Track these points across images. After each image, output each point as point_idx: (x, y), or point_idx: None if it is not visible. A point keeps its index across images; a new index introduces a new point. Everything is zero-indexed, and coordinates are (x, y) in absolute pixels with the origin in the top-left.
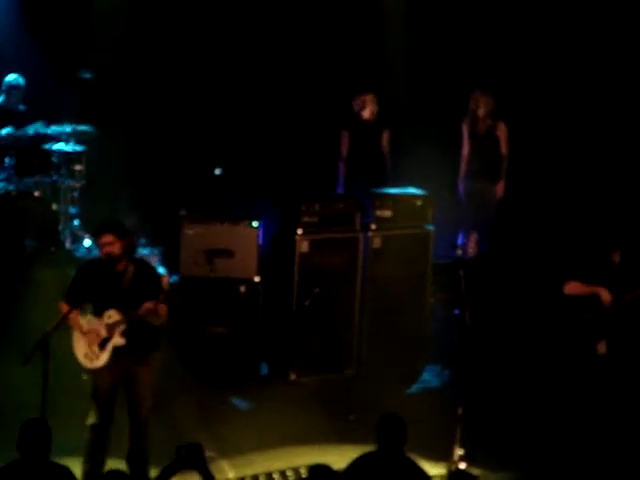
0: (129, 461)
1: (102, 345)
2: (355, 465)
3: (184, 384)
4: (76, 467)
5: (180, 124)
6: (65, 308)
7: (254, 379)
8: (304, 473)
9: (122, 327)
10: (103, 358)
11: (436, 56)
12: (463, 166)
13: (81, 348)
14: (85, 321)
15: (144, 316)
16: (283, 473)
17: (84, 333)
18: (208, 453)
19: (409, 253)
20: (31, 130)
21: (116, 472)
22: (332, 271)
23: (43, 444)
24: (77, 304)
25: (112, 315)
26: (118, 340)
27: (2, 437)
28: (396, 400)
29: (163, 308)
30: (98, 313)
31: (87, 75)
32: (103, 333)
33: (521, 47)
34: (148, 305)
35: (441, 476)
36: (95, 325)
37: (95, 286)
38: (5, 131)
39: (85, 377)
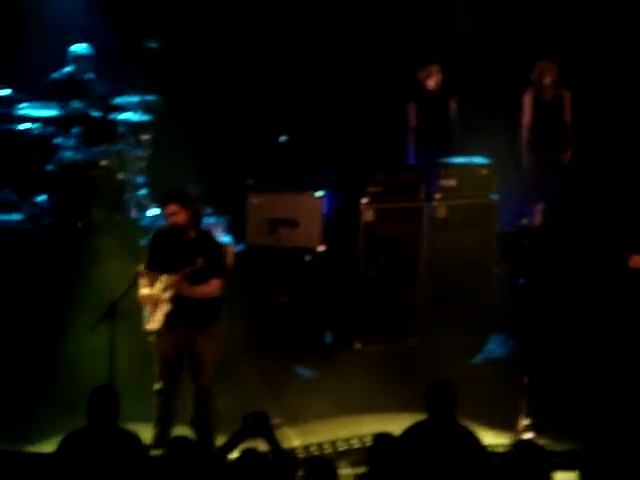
0: (194, 427)
1: (157, 308)
2: (407, 434)
3: (249, 353)
4: (145, 433)
5: (246, 93)
6: (145, 276)
7: (319, 348)
8: (369, 441)
9: (169, 293)
10: (157, 321)
11: (502, 25)
12: (526, 135)
13: (146, 310)
14: (148, 285)
15: (175, 286)
16: (348, 441)
17: (143, 295)
18: (274, 420)
19: (474, 223)
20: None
21: (180, 438)
22: (396, 240)
23: (111, 410)
24: (154, 269)
25: (164, 280)
26: (164, 305)
27: (73, 404)
28: (460, 369)
29: (215, 282)
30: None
31: (153, 44)
32: (157, 297)
33: (585, 15)
34: (174, 276)
35: (506, 446)
36: (154, 289)
37: (166, 252)
38: (75, 104)
39: (150, 339)
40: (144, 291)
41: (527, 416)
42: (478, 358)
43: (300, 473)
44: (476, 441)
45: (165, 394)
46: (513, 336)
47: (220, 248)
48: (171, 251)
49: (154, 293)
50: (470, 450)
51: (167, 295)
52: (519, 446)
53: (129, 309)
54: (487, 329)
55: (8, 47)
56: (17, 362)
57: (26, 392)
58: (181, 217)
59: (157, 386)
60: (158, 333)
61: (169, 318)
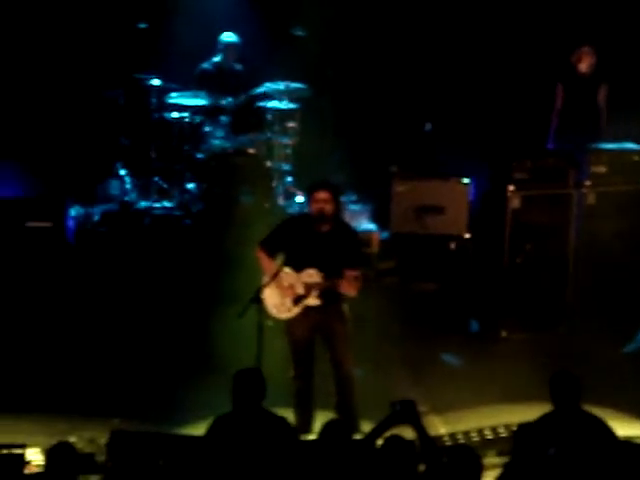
0: (338, 413)
1: (296, 301)
2: (533, 425)
3: (395, 340)
4: (291, 418)
5: (391, 80)
6: (260, 253)
7: (464, 335)
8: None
9: (319, 289)
10: (293, 312)
11: None
12: None
13: (273, 298)
14: (284, 274)
15: (342, 289)
16: (495, 430)
17: (282, 286)
18: (420, 408)
19: (624, 210)
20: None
21: (336, 421)
22: (544, 227)
23: (256, 393)
24: (272, 252)
25: (312, 275)
26: (314, 300)
27: (223, 387)
28: (610, 359)
29: (358, 284)
30: (297, 269)
31: (300, 32)
32: (299, 290)
33: None
34: (347, 278)
35: None
36: (293, 280)
37: (296, 241)
38: (226, 101)
39: (270, 323)
40: (283, 279)
41: None
42: (629, 347)
43: (444, 461)
44: (607, 430)
45: (301, 379)
46: None
47: (357, 238)
48: (304, 239)
49: (297, 285)
50: (600, 440)
51: (317, 291)
52: None
53: None
54: (639, 318)
55: (158, 37)
56: (168, 346)
57: (177, 375)
58: (329, 206)
59: (292, 372)
60: (289, 320)
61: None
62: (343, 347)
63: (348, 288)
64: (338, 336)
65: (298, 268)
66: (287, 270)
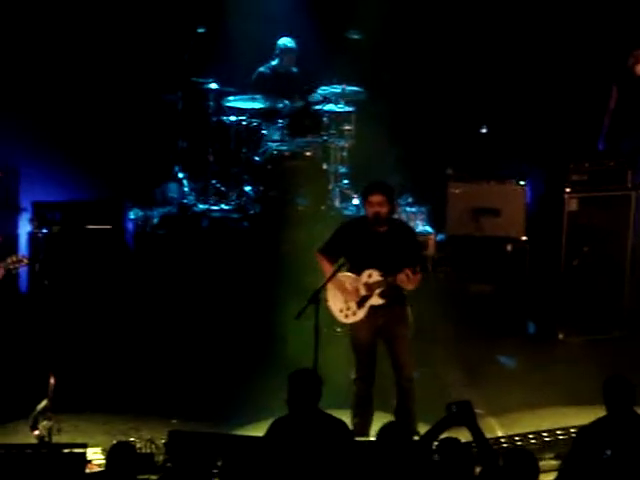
0: (396, 415)
1: (360, 303)
2: (586, 429)
3: (451, 342)
4: (347, 420)
5: (446, 83)
6: (321, 259)
7: (521, 338)
8: (574, 433)
9: (381, 288)
10: (359, 315)
11: None
12: None
13: (337, 303)
14: (345, 278)
15: (401, 282)
16: (553, 432)
17: (344, 290)
18: (477, 410)
19: None
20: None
21: (393, 424)
22: (601, 230)
23: (312, 394)
24: (334, 257)
25: (372, 275)
26: (377, 300)
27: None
28: None
29: (418, 278)
30: (357, 271)
31: (356, 35)
32: (362, 292)
33: None
34: (406, 273)
35: None
36: (355, 283)
37: (354, 244)
38: (283, 104)
39: (339, 329)
40: (345, 283)
41: None
42: None
43: (500, 463)
44: None
45: (363, 382)
46: None
47: (414, 235)
48: (361, 241)
49: (360, 287)
50: None
51: (379, 290)
52: None
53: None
54: None
55: (216, 41)
56: (227, 347)
57: (236, 376)
58: (384, 209)
59: (355, 374)
60: (354, 323)
61: (369, 309)
62: (405, 351)
63: (407, 282)
64: (401, 339)
65: (358, 270)
66: (348, 274)
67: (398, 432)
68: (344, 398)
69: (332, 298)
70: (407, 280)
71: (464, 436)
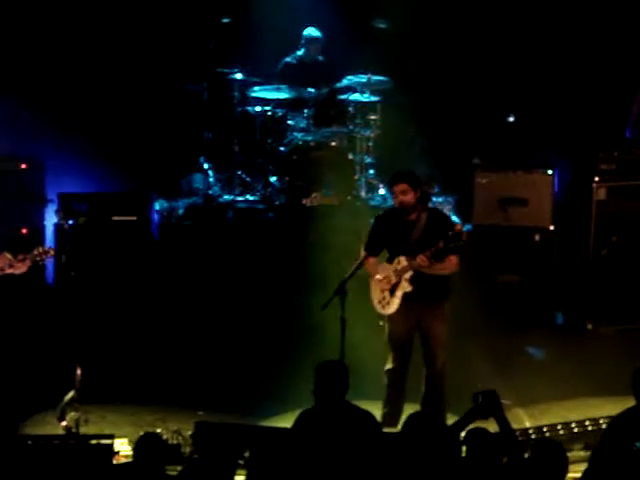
0: (425, 407)
1: (392, 291)
2: (616, 420)
3: (479, 333)
4: (375, 411)
5: (473, 72)
6: (367, 259)
7: (550, 328)
8: (603, 424)
9: (409, 273)
10: (394, 304)
11: None
12: None
13: (376, 294)
14: (380, 268)
15: (419, 266)
16: (582, 423)
17: (379, 281)
18: (504, 401)
19: None
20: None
21: (417, 415)
22: (630, 219)
23: (339, 385)
24: (376, 252)
25: (401, 261)
26: (405, 286)
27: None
28: None
29: (453, 259)
30: (390, 260)
31: (382, 25)
32: (393, 279)
33: None
34: (421, 257)
35: None
36: (387, 272)
37: (390, 234)
38: (308, 92)
39: (381, 323)
40: (378, 276)
41: None
42: None
43: (527, 455)
44: None
45: (396, 374)
46: None
47: (452, 225)
48: (395, 231)
49: (390, 275)
50: None
51: (407, 276)
52: None
53: (361, 287)
54: None
55: (241, 32)
56: (253, 339)
57: (262, 368)
58: (409, 197)
59: (388, 366)
60: (391, 315)
61: (404, 298)
62: (439, 346)
63: (425, 265)
64: (436, 335)
65: (391, 259)
66: (384, 264)
67: (424, 422)
68: (376, 389)
69: (373, 290)
70: (424, 263)
71: (493, 427)
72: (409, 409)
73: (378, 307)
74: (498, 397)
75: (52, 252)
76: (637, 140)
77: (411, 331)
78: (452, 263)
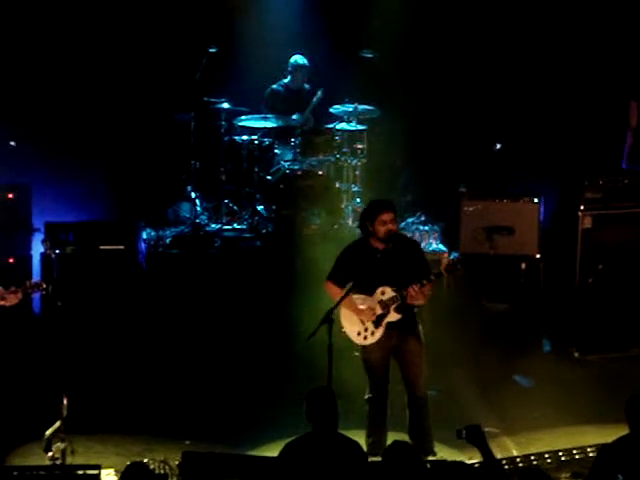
0: (412, 436)
1: (377, 322)
2: (608, 447)
3: (466, 360)
4: (360, 440)
5: (459, 100)
6: (331, 287)
7: (537, 356)
8: (591, 452)
9: (397, 303)
10: (377, 334)
11: None
12: None
13: (354, 326)
14: (360, 300)
15: (410, 297)
16: (569, 451)
17: (359, 311)
18: (490, 429)
19: None
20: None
21: (401, 443)
22: (617, 248)
23: (329, 413)
24: (341, 284)
25: (385, 292)
26: (394, 316)
27: (295, 411)
28: None
29: (427, 290)
30: (368, 291)
31: (369, 54)
32: (378, 310)
33: None
34: (413, 288)
35: None
36: (369, 302)
37: (360, 266)
38: (293, 115)
39: (356, 353)
40: (360, 304)
41: None
42: None
43: None
44: None
45: (376, 401)
46: None
47: (418, 246)
48: (367, 261)
49: (374, 306)
50: None
51: (395, 305)
52: None
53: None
54: None
55: (227, 61)
56: (240, 368)
57: (248, 397)
58: (395, 226)
59: (368, 394)
60: (367, 346)
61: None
62: (418, 369)
63: (416, 296)
64: (414, 358)
65: (370, 291)
66: (358, 295)
67: (403, 452)
68: (360, 419)
69: (347, 322)
70: (416, 294)
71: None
72: (395, 438)
73: (357, 339)
74: (482, 431)
75: (44, 286)
76: (632, 170)
77: (387, 357)
78: (428, 293)
